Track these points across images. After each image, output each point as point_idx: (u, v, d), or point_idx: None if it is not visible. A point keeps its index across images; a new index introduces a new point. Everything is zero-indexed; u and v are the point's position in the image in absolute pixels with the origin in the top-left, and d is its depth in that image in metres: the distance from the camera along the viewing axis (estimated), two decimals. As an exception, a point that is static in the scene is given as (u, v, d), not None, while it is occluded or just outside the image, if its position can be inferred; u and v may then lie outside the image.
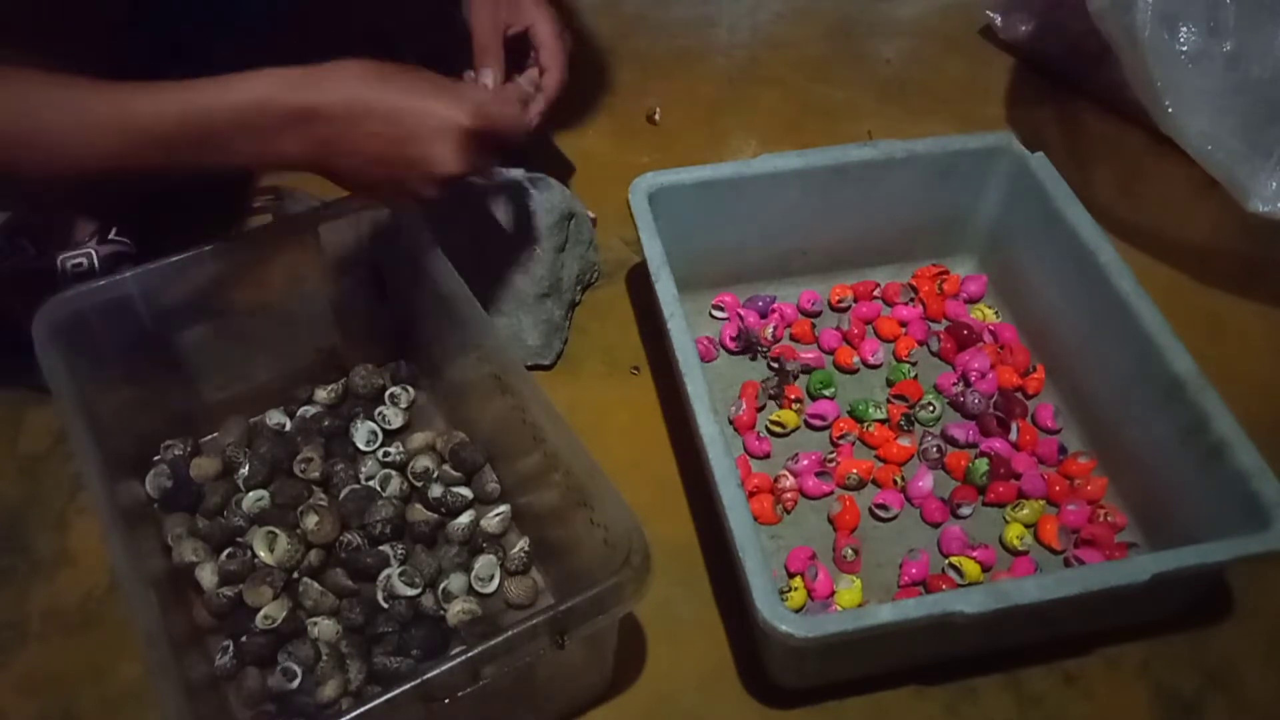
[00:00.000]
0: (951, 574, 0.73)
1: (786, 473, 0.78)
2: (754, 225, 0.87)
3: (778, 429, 0.82)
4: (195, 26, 0.97)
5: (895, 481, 0.78)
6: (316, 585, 0.69)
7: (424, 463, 0.77)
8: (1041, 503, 0.77)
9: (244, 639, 0.67)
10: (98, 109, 0.60)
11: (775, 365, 0.86)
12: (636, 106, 1.12)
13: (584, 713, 0.69)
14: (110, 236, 0.88)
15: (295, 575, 0.71)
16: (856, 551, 0.74)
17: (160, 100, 0.61)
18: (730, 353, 0.88)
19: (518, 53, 0.84)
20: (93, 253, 0.86)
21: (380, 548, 0.72)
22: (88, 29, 0.76)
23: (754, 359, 0.87)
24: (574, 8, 1.23)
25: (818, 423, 0.82)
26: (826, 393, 0.84)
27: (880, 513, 0.77)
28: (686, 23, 1.23)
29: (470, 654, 0.54)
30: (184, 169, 0.63)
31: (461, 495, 0.75)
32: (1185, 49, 0.86)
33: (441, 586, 0.71)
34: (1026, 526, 0.76)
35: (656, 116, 1.11)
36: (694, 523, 0.78)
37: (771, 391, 0.83)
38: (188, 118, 0.61)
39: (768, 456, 0.81)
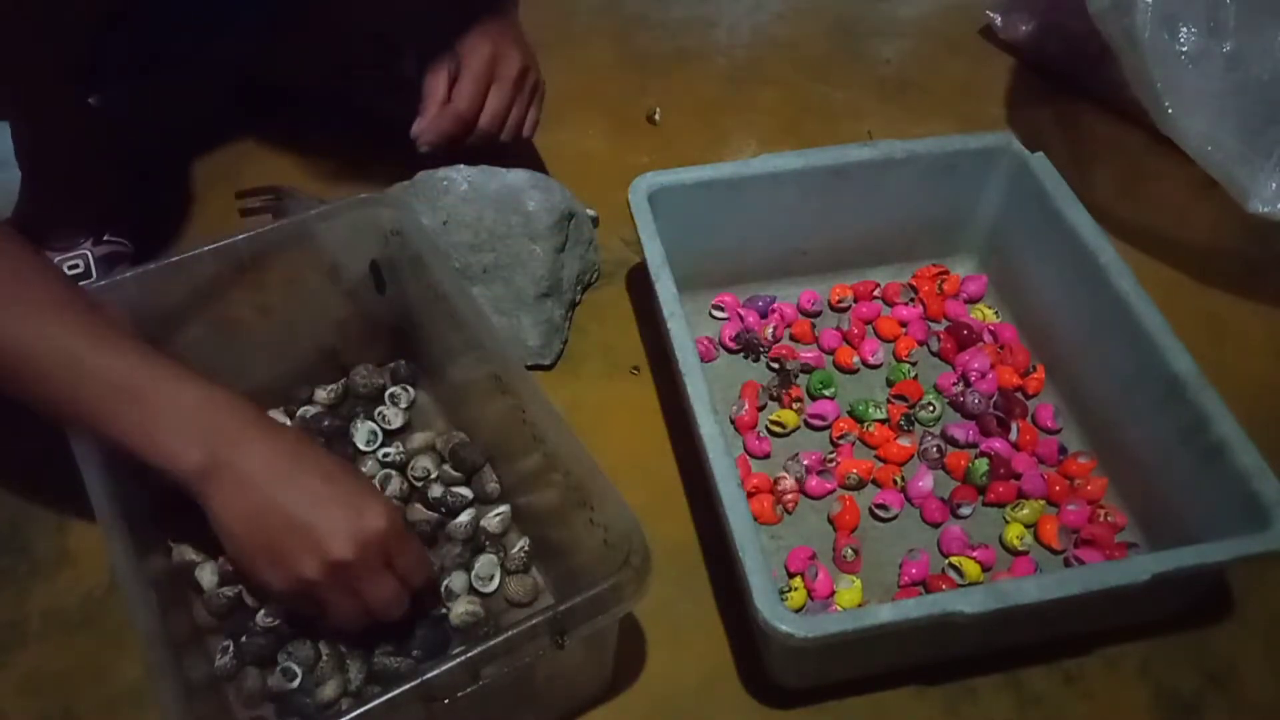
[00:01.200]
0: (951, 574, 0.73)
1: (786, 474, 0.78)
2: (754, 225, 0.87)
3: (778, 429, 0.82)
4: (185, 30, 0.97)
5: (895, 481, 0.78)
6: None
7: (424, 463, 0.77)
8: (1041, 503, 0.77)
9: (244, 639, 0.67)
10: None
11: (775, 365, 0.86)
12: (636, 106, 1.12)
13: (584, 713, 0.69)
14: (106, 237, 0.88)
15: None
16: (856, 551, 0.74)
17: (102, 341, 0.58)
18: (730, 353, 0.88)
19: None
20: (88, 254, 0.86)
21: (380, 548, 0.72)
22: (63, 31, 0.76)
23: (755, 360, 0.87)
24: (574, 8, 1.23)
25: (818, 423, 0.82)
26: (826, 393, 0.84)
27: (880, 513, 0.77)
28: (686, 23, 1.23)
29: (470, 654, 0.54)
30: (68, 416, 0.60)
31: (461, 495, 0.75)
32: (1185, 49, 0.86)
33: (443, 585, 0.71)
34: (1026, 526, 0.76)
35: (656, 116, 1.11)
36: (694, 523, 0.78)
37: (773, 392, 0.83)
38: (134, 364, 0.58)
39: (768, 456, 0.81)
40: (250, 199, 0.97)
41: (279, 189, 0.96)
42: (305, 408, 0.82)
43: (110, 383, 0.58)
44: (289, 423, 0.81)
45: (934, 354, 0.88)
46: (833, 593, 0.73)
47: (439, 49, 0.89)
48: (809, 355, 0.86)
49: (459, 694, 0.54)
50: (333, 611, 0.61)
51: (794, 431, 0.83)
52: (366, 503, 0.60)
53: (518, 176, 0.88)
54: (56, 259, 0.85)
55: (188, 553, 0.71)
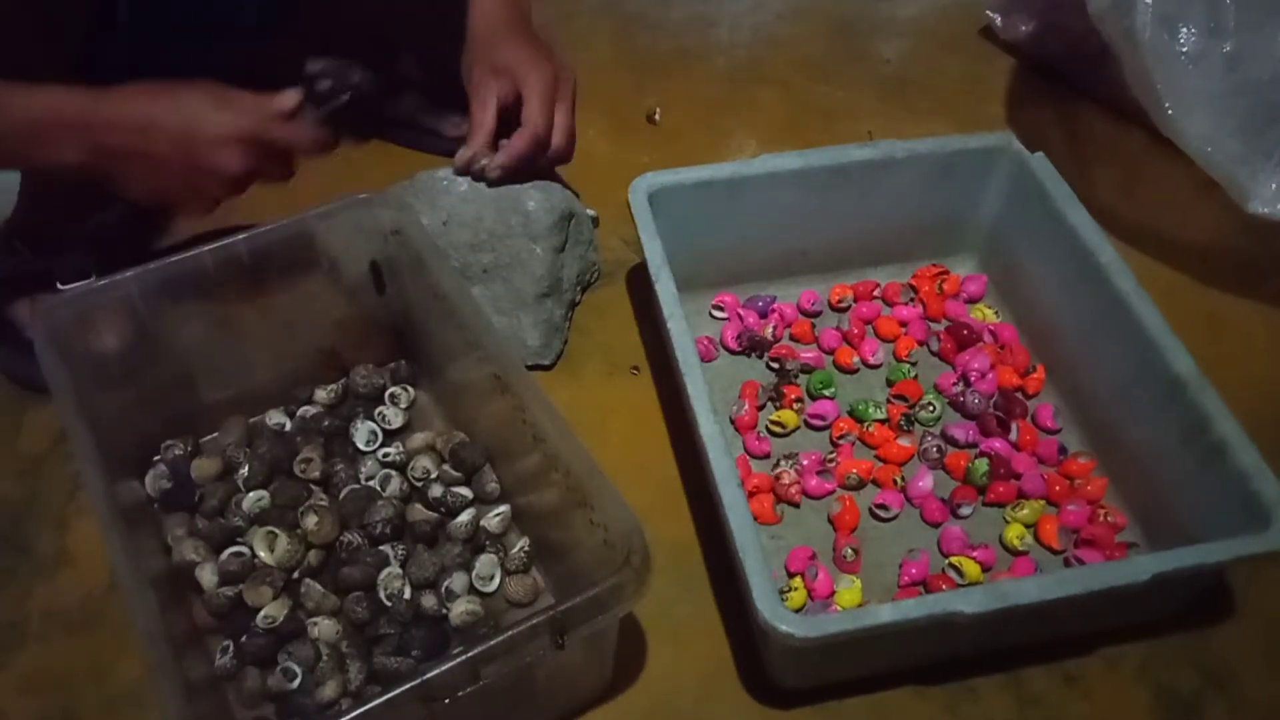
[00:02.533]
0: (951, 574, 0.73)
1: (786, 468, 0.78)
2: (754, 225, 0.87)
3: (778, 429, 0.82)
4: (179, 36, 0.97)
5: (895, 481, 0.78)
6: (318, 586, 0.69)
7: (424, 463, 0.77)
8: (1041, 503, 0.77)
9: (244, 639, 0.67)
10: None
11: (775, 365, 0.86)
12: (636, 106, 1.12)
13: (584, 713, 0.69)
14: (105, 238, 0.88)
15: (295, 575, 0.71)
16: (856, 551, 0.74)
17: None
18: (730, 353, 0.88)
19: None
20: (88, 255, 0.86)
21: (380, 548, 0.72)
22: (63, 31, 0.76)
23: (760, 357, 0.87)
24: (574, 8, 1.23)
25: (818, 423, 0.82)
26: (826, 393, 0.84)
27: (880, 513, 0.77)
28: (686, 23, 1.23)
29: (470, 654, 0.54)
30: None
31: (461, 495, 0.75)
32: (1185, 50, 0.86)
33: (444, 586, 0.71)
34: (1026, 526, 0.76)
35: (656, 116, 1.11)
36: (694, 523, 0.78)
37: (771, 394, 0.83)
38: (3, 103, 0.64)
39: (768, 456, 0.81)
40: (319, 80, 0.86)
41: (343, 64, 0.87)
42: (305, 408, 0.82)
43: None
44: (289, 423, 0.81)
45: (934, 354, 0.88)
46: (833, 593, 0.73)
47: (438, 51, 0.89)
48: (809, 355, 0.86)
49: (459, 694, 0.54)
50: (271, 168, 0.72)
51: (794, 431, 0.83)
52: (221, 123, 0.69)
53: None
54: (58, 259, 0.85)
55: (188, 553, 0.71)
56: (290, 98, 0.77)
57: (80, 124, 0.67)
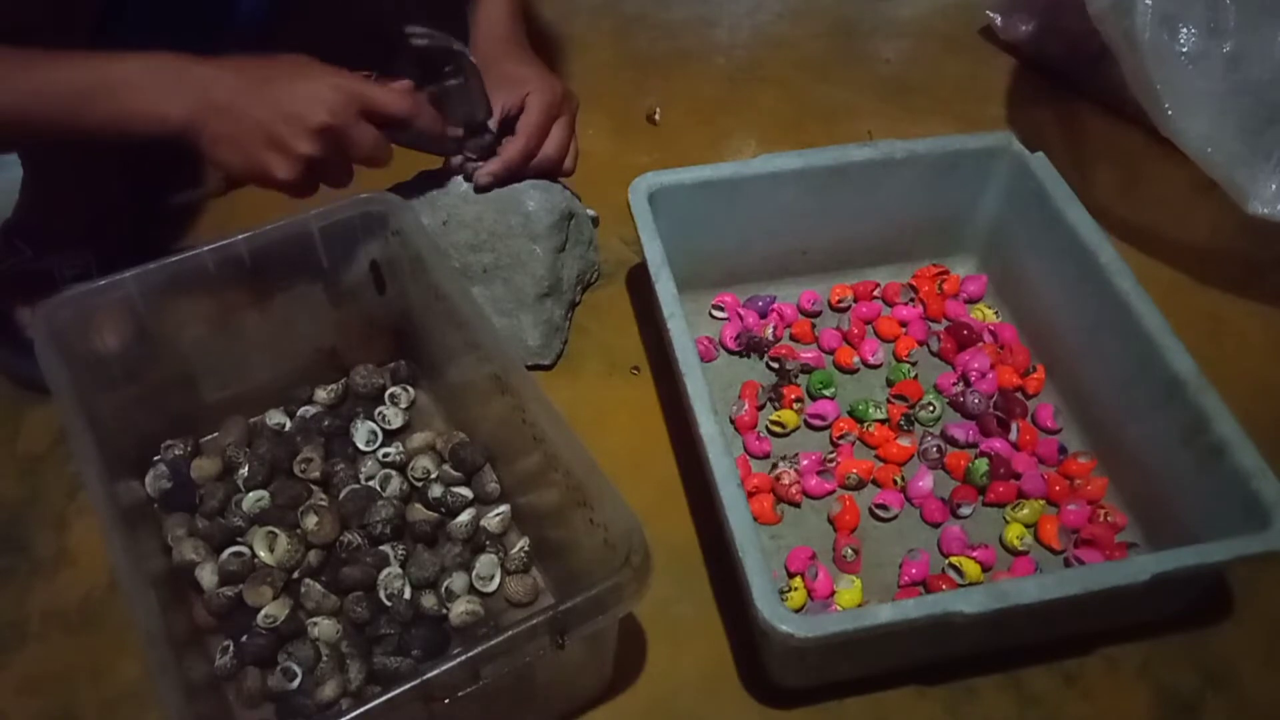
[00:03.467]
0: (951, 574, 0.73)
1: (786, 468, 0.78)
2: (754, 225, 0.87)
3: (778, 429, 0.82)
4: (182, 32, 0.97)
5: (895, 481, 0.78)
6: (319, 586, 0.69)
7: (424, 463, 0.77)
8: (1041, 503, 0.77)
9: (244, 639, 0.67)
10: None
11: (775, 365, 0.86)
12: (636, 106, 1.12)
13: (584, 713, 0.69)
14: (106, 237, 0.88)
15: (295, 575, 0.71)
16: (856, 551, 0.74)
17: (59, 58, 0.66)
18: (730, 353, 0.88)
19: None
20: (89, 254, 0.86)
21: (380, 548, 0.72)
22: (65, 29, 0.76)
23: (761, 358, 0.87)
24: (574, 8, 1.23)
25: (818, 423, 0.82)
26: (826, 393, 0.84)
27: (880, 513, 0.77)
28: (686, 23, 1.23)
29: (470, 654, 0.54)
30: (71, 124, 0.67)
31: (461, 495, 0.75)
32: (1185, 50, 0.86)
33: (444, 585, 0.71)
34: (1026, 526, 0.76)
35: (656, 116, 1.11)
36: (694, 523, 0.78)
37: (770, 394, 0.83)
38: (84, 68, 0.66)
39: (768, 456, 0.81)
40: (419, 38, 0.86)
41: (449, 41, 0.86)
42: (305, 408, 0.82)
43: (78, 91, 0.66)
44: (289, 423, 0.81)
45: (934, 354, 0.88)
46: (833, 593, 0.73)
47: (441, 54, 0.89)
48: (809, 355, 0.86)
49: (459, 694, 0.54)
50: (332, 175, 0.73)
51: (794, 431, 0.83)
52: (313, 70, 0.71)
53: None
54: (58, 259, 0.85)
55: (188, 552, 0.71)
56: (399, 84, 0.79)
57: (191, 78, 0.68)
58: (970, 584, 0.73)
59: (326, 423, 0.80)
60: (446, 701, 0.54)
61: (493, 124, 0.86)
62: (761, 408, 0.83)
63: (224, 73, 0.69)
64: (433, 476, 0.77)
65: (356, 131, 0.71)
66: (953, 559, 0.74)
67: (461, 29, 0.90)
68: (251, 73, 0.70)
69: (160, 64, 0.68)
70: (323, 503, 0.74)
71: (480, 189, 0.86)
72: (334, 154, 0.71)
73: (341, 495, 0.75)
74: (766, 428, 0.82)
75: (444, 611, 0.70)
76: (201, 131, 0.68)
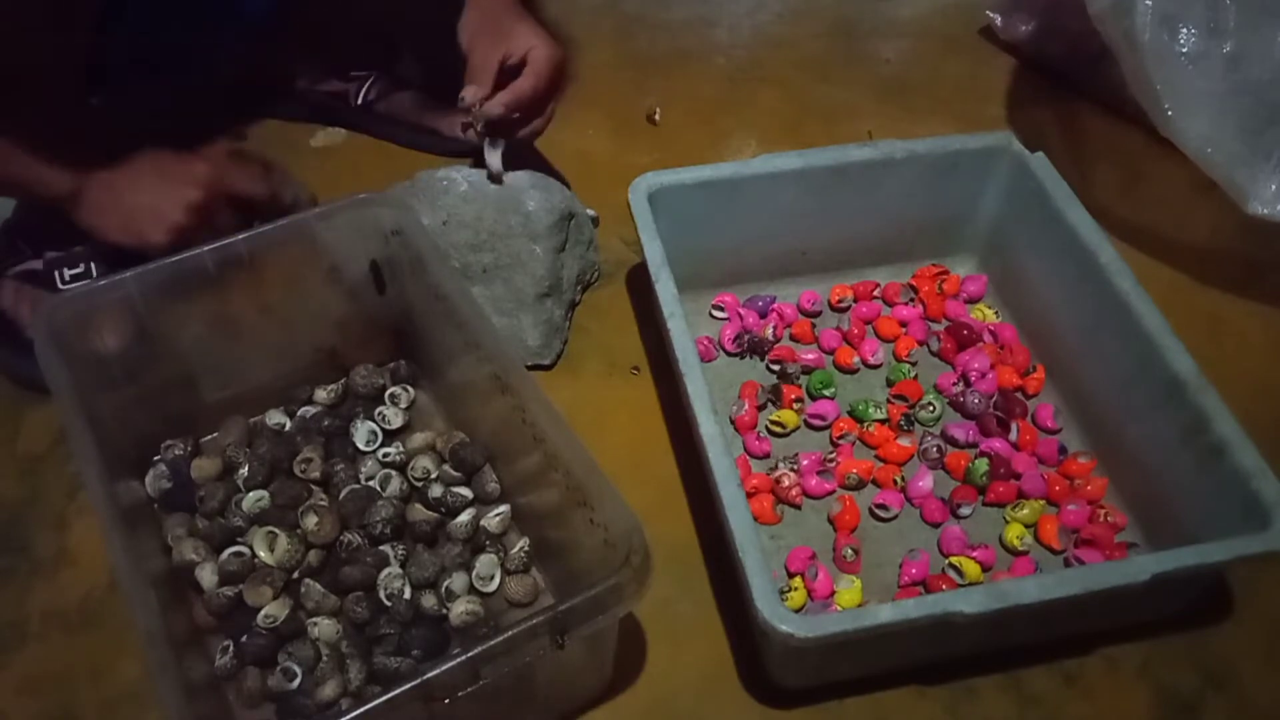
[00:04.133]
0: (951, 574, 0.73)
1: (786, 469, 0.78)
2: (754, 225, 0.87)
3: (778, 429, 0.82)
4: (184, 30, 0.97)
5: (895, 481, 0.78)
6: (318, 586, 0.69)
7: (424, 463, 0.77)
8: (1041, 503, 0.77)
9: (244, 639, 0.67)
10: None
11: (775, 368, 0.86)
12: (636, 106, 1.12)
13: (584, 713, 0.69)
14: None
15: (295, 575, 0.71)
16: (856, 551, 0.74)
17: None
18: (729, 354, 0.88)
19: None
20: (89, 254, 0.86)
21: (380, 548, 0.72)
22: (65, 26, 0.76)
23: (762, 359, 0.87)
24: (574, 8, 1.23)
25: (818, 423, 0.82)
26: (826, 393, 0.84)
27: (880, 513, 0.77)
28: (686, 23, 1.23)
29: (470, 654, 0.54)
30: None
31: (461, 495, 0.75)
32: (1185, 50, 0.86)
33: (444, 585, 0.71)
34: (1026, 526, 0.76)
35: (656, 116, 1.11)
36: (694, 523, 0.78)
37: (770, 395, 0.83)
38: None
39: (768, 456, 0.81)
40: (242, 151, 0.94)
41: (269, 164, 0.92)
42: (305, 408, 0.82)
43: None
44: (289, 423, 0.81)
45: (934, 354, 0.88)
46: (833, 593, 0.73)
47: (438, 51, 0.89)
48: (809, 355, 0.86)
49: (459, 694, 0.54)
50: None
51: (794, 431, 0.82)
52: (170, 188, 0.78)
53: (518, 176, 0.88)
54: (58, 259, 0.85)
55: (188, 552, 0.71)
56: (470, 91, 0.83)
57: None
58: (970, 584, 0.73)
59: (326, 423, 0.80)
60: (446, 701, 0.54)
61: (484, 80, 0.84)
62: (762, 408, 0.83)
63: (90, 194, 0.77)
64: (433, 476, 0.77)
65: (222, 222, 0.80)
66: (953, 559, 0.74)
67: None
68: (126, 170, 0.78)
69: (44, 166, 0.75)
70: (323, 503, 0.74)
71: (492, 125, 0.84)
72: (208, 221, 0.79)
73: (341, 495, 0.75)
74: (766, 428, 0.82)
75: (444, 611, 0.70)
76: (77, 212, 0.78)
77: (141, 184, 0.79)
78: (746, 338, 0.87)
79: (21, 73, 0.77)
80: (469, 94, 0.83)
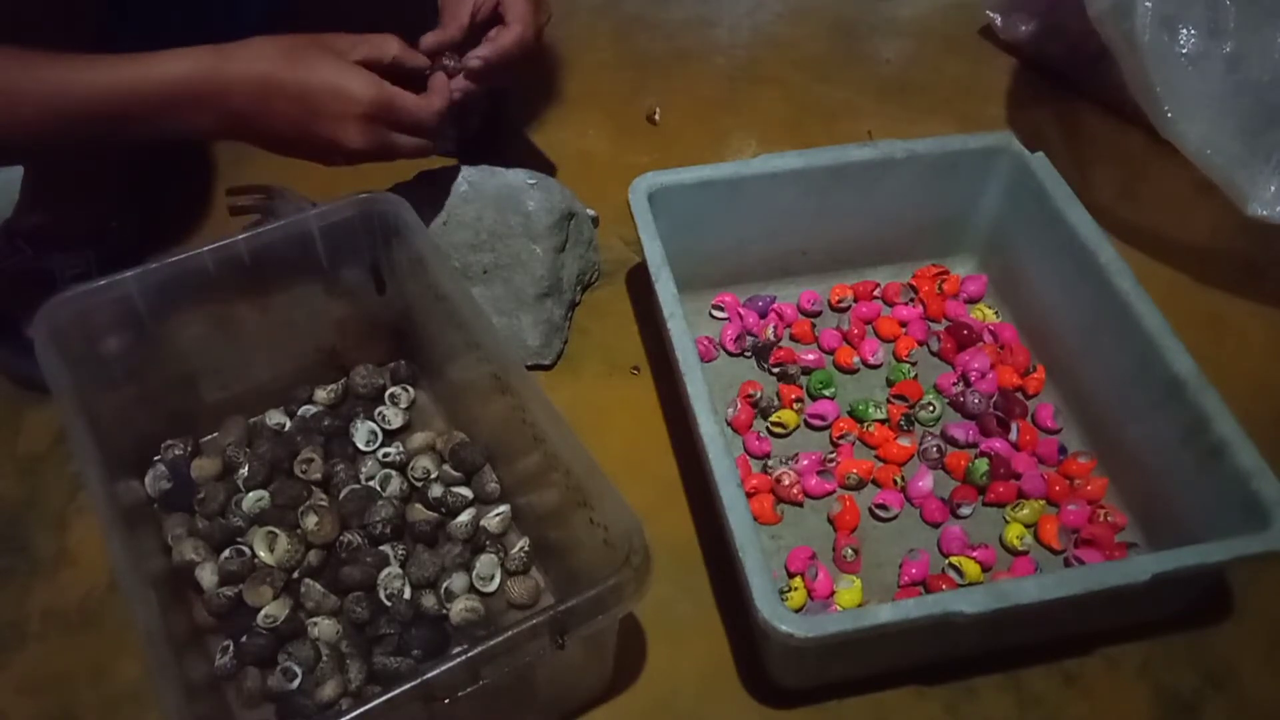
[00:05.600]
0: (951, 574, 0.73)
1: (786, 469, 0.78)
2: (754, 225, 0.87)
3: (779, 429, 0.82)
4: (187, 25, 0.97)
5: (895, 481, 0.78)
6: (318, 586, 0.69)
7: (424, 463, 0.77)
8: (1041, 503, 0.77)
9: (244, 639, 0.67)
10: (26, 84, 0.65)
11: (776, 371, 0.86)
12: (636, 106, 1.12)
13: (584, 713, 0.69)
14: (107, 237, 0.88)
15: (295, 575, 0.71)
16: (856, 551, 0.74)
17: (88, 77, 0.66)
18: (730, 353, 0.88)
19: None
20: (90, 254, 0.86)
21: (380, 548, 0.72)
22: (70, 26, 0.76)
23: (764, 361, 0.86)
24: (574, 8, 1.23)
25: (818, 423, 0.82)
26: (826, 393, 0.84)
27: (880, 513, 0.77)
28: (686, 23, 1.23)
29: (470, 654, 0.54)
30: (107, 139, 0.70)
31: (461, 495, 0.75)
32: (1185, 52, 0.86)
33: (444, 586, 0.71)
34: (1026, 526, 0.76)
35: (656, 116, 1.11)
36: (694, 523, 0.78)
37: (766, 401, 0.83)
38: (114, 93, 0.66)
39: (767, 456, 0.81)
40: (240, 197, 0.96)
41: (269, 188, 0.96)
42: (305, 407, 0.82)
43: (115, 103, 0.67)
44: (289, 423, 0.81)
45: (934, 354, 0.88)
46: (833, 593, 0.73)
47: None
48: (809, 355, 0.86)
49: (459, 694, 0.54)
50: (399, 148, 0.74)
51: (794, 431, 0.82)
52: (345, 85, 0.70)
53: (518, 176, 0.88)
54: (58, 259, 0.85)
55: (188, 552, 0.71)
56: (432, 36, 0.79)
57: (209, 91, 0.68)
58: (970, 584, 0.73)
59: (326, 423, 0.80)
60: (446, 701, 0.54)
61: (454, 28, 0.80)
62: (760, 409, 0.83)
63: (246, 74, 0.69)
64: (433, 476, 0.77)
65: (389, 143, 0.73)
66: (953, 559, 0.74)
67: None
68: (274, 71, 0.69)
69: (189, 74, 0.68)
70: (323, 503, 0.74)
71: (471, 79, 0.79)
72: (375, 155, 0.73)
73: (341, 495, 0.75)
74: (767, 428, 0.82)
75: (444, 611, 0.70)
76: (235, 135, 0.71)
77: (301, 88, 0.70)
78: (750, 341, 0.87)
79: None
80: (430, 37, 0.79)
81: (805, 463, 0.79)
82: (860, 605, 0.72)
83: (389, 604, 0.69)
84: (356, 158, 0.73)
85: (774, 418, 0.82)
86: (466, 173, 0.88)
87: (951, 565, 0.74)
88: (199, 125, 0.69)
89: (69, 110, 0.66)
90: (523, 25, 0.80)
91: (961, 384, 0.84)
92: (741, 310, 0.90)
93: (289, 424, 0.81)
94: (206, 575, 0.70)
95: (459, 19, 0.81)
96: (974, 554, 0.74)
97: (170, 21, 0.95)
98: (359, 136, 0.71)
